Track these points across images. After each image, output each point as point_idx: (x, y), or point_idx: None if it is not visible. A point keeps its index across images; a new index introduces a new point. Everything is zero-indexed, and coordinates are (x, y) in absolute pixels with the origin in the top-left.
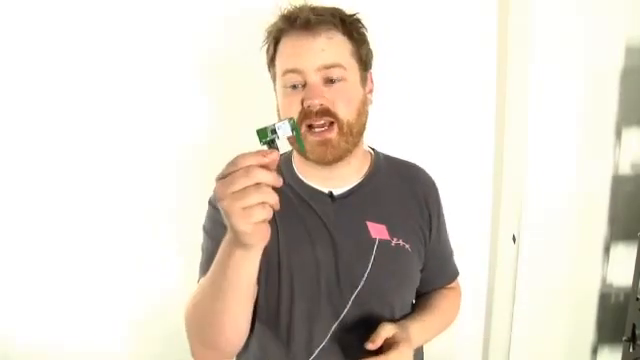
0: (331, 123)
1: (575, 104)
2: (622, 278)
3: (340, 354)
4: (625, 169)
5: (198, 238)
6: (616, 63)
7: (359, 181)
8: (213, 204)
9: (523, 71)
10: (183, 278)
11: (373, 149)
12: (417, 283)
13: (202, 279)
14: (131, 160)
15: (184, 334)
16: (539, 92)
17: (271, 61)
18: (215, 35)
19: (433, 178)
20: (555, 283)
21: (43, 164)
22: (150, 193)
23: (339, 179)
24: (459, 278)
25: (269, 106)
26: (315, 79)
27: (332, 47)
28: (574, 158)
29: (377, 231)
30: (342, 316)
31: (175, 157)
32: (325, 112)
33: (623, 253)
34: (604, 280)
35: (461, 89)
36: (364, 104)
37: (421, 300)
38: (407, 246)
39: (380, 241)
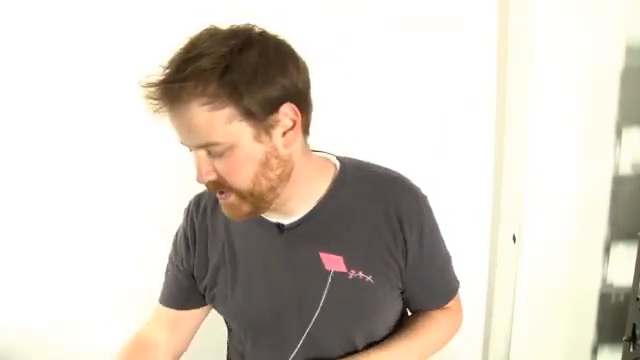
0: (230, 189)
1: (575, 104)
2: (622, 278)
3: None
4: (625, 169)
5: None
6: (616, 63)
7: (311, 207)
8: (186, 212)
9: (523, 71)
10: None
11: (342, 160)
12: (390, 313)
13: None
14: (133, 139)
15: None
16: (539, 92)
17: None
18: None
19: (417, 188)
20: (555, 283)
21: (42, 154)
22: (151, 182)
23: (286, 211)
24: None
25: None
26: (199, 154)
27: (196, 127)
28: (574, 158)
29: (332, 263)
30: (295, 352)
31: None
32: (217, 185)
33: (623, 253)
34: (604, 280)
35: (461, 89)
36: (264, 165)
37: (408, 320)
38: (368, 278)
39: (335, 273)
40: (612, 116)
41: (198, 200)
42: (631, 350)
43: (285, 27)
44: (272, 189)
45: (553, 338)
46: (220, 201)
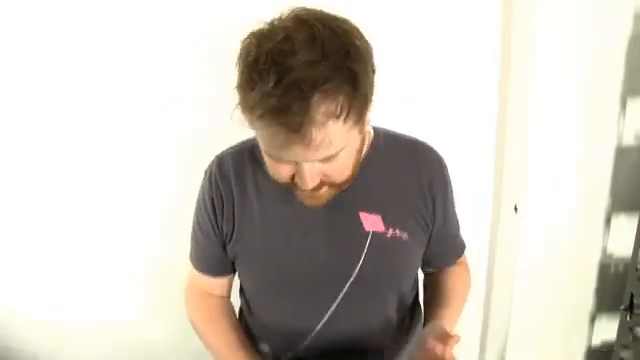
0: (331, 184)
1: (580, 73)
2: (622, 249)
3: (328, 349)
4: (629, 140)
5: None
6: (623, 32)
7: None
8: (209, 176)
9: (526, 38)
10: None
11: (374, 127)
12: (416, 271)
13: (205, 335)
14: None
15: None
16: (543, 61)
17: (242, 113)
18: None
19: (441, 156)
20: (556, 253)
21: (44, 139)
22: (156, 154)
23: None
24: None
25: None
26: (314, 166)
27: (325, 143)
28: (578, 128)
29: (371, 223)
30: (330, 312)
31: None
32: (320, 184)
33: (624, 224)
34: (604, 250)
35: (463, 47)
36: (359, 151)
37: (438, 287)
38: (404, 235)
39: (374, 234)
40: (617, 86)
41: (220, 164)
42: (628, 319)
43: None
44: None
45: (553, 307)
46: (304, 194)
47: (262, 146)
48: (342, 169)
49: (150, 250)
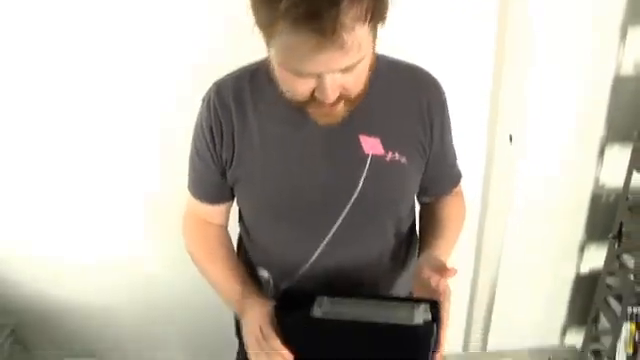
0: (348, 99)
1: (580, 1)
2: (615, 179)
3: (327, 274)
4: (628, 69)
5: None
6: None
7: None
8: (207, 103)
9: None
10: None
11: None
12: (413, 197)
13: (205, 266)
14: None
15: None
16: None
17: (263, 29)
18: None
19: (440, 83)
20: (549, 183)
21: (47, 78)
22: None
23: None
24: None
25: None
26: (335, 77)
27: (353, 48)
28: (576, 56)
29: (370, 146)
30: (329, 237)
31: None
32: (338, 98)
33: (617, 155)
34: (597, 181)
35: None
36: (372, 66)
37: (434, 217)
38: (403, 159)
39: (373, 157)
40: (618, 14)
41: (219, 91)
42: (616, 247)
43: None
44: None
45: (544, 236)
46: (320, 111)
47: (282, 61)
48: (358, 82)
49: (149, 186)
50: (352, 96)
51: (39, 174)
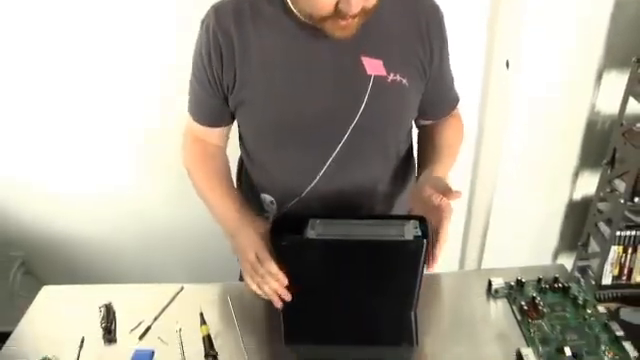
0: (366, 11)
1: None
2: (610, 106)
3: (329, 196)
4: None
5: None
6: None
7: None
8: (206, 27)
9: None
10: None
11: None
12: (412, 119)
13: (201, 185)
14: None
15: None
16: None
17: None
18: None
19: (438, 5)
20: (545, 109)
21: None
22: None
23: None
24: None
25: None
26: None
27: None
28: None
29: (372, 67)
30: (331, 159)
31: None
32: (360, 11)
33: (614, 80)
34: (593, 107)
35: None
36: None
37: (432, 141)
38: (404, 80)
39: (375, 78)
40: None
41: (218, 15)
42: (609, 172)
43: None
44: None
45: (539, 161)
46: (337, 25)
47: None
48: None
49: (148, 120)
50: (370, 6)
51: (41, 109)
